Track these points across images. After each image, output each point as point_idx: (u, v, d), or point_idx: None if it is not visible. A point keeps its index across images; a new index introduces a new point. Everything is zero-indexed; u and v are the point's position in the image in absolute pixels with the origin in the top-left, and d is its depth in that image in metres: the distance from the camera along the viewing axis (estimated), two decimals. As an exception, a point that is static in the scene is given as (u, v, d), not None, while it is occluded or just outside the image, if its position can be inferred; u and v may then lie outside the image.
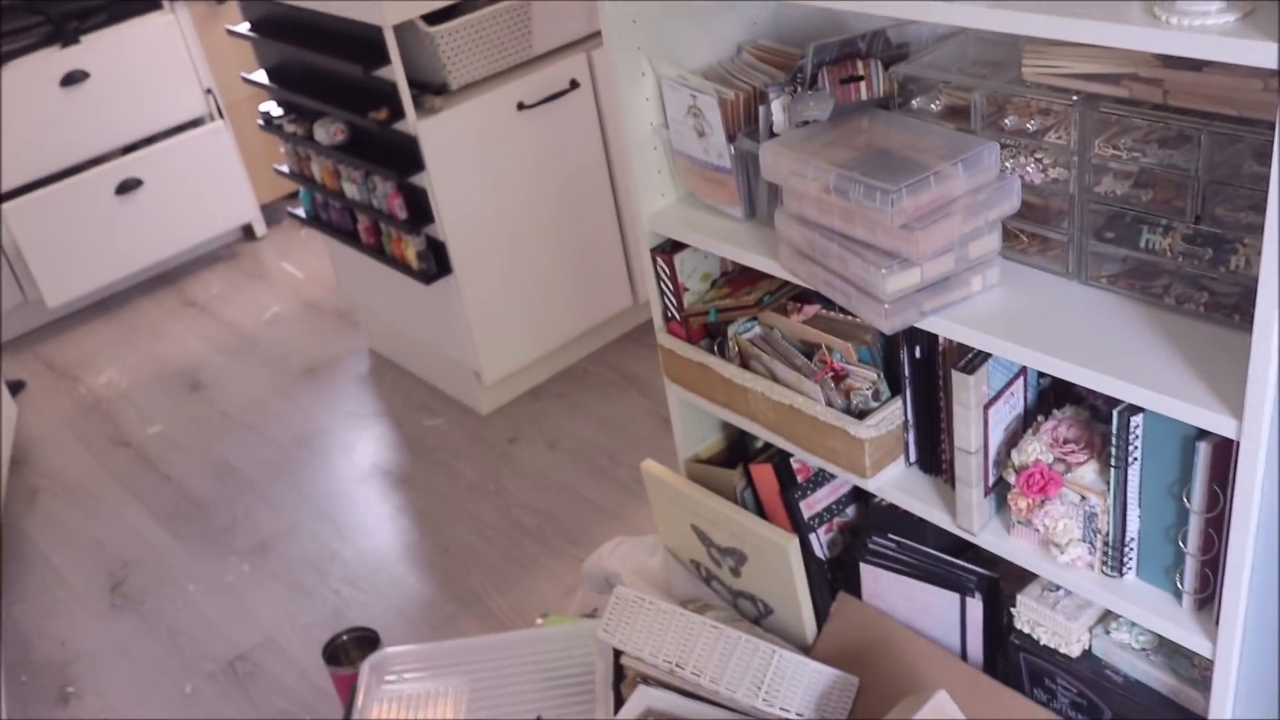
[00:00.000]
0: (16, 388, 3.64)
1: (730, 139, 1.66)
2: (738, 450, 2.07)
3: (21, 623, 2.70)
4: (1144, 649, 1.55)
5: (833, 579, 1.93)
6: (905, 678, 1.76)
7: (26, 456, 3.31)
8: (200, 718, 2.35)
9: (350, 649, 2.28)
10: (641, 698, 1.84)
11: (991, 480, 1.56)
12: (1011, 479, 1.50)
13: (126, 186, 3.92)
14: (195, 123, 4.07)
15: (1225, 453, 1.28)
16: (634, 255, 3.22)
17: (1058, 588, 1.61)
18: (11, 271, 3.86)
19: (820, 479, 1.91)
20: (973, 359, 1.46)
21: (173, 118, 4.00)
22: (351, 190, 2.96)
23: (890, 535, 1.83)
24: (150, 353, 3.76)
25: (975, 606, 1.72)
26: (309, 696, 2.36)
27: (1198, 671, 1.50)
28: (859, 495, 1.96)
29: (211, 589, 2.70)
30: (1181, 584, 1.40)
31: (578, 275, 3.13)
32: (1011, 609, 1.66)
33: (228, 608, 2.64)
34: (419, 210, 2.84)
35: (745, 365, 1.80)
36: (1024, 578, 1.66)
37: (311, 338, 3.67)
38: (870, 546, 1.83)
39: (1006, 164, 1.45)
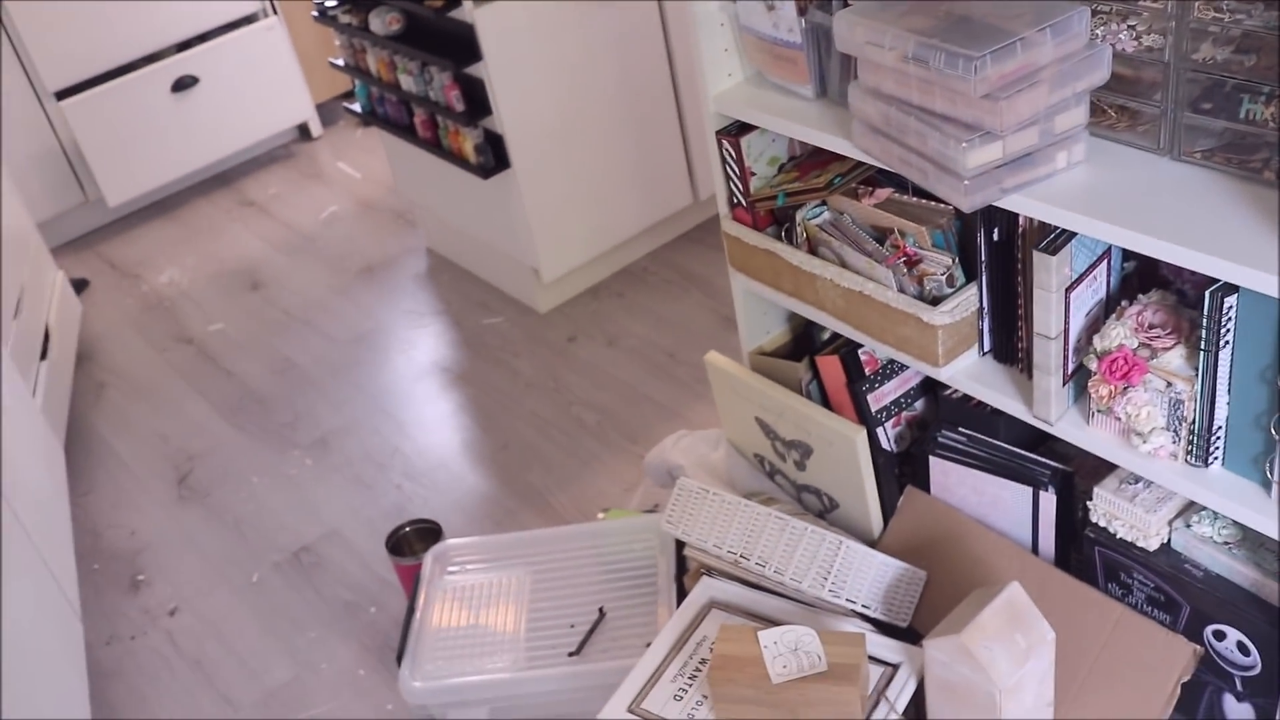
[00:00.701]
0: (80, 286, 3.67)
1: (801, 11, 1.59)
2: (803, 343, 2.03)
3: (91, 513, 2.74)
4: (1226, 542, 1.50)
5: (900, 473, 1.90)
6: (975, 572, 1.73)
7: (91, 353, 3.35)
8: (268, 606, 2.39)
9: (413, 540, 2.30)
10: (705, 589, 1.83)
11: (1071, 368, 1.50)
12: (1093, 366, 1.45)
13: (182, 84, 3.89)
14: (249, 19, 4.02)
15: (1326, 334, 1.21)
16: (695, 151, 3.15)
17: (1136, 480, 1.56)
18: (71, 170, 3.87)
19: (889, 371, 1.86)
20: (1055, 239, 1.40)
21: (227, 14, 3.96)
22: (408, 82, 2.91)
23: (960, 429, 1.78)
24: (210, 252, 3.77)
25: (1049, 500, 1.67)
26: (373, 587, 2.38)
27: (1283, 565, 1.45)
28: (928, 389, 1.91)
29: (275, 482, 2.73)
30: (1271, 473, 1.34)
31: (637, 171, 3.07)
32: (1087, 503, 1.62)
33: (291, 500, 2.66)
34: (477, 102, 2.78)
35: (813, 252, 1.75)
36: (1097, 474, 1.61)
37: (369, 237, 3.66)
38: (940, 440, 1.78)
39: (1097, 31, 1.37)
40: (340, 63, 3.18)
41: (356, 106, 3.25)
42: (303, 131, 4.35)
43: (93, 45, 3.73)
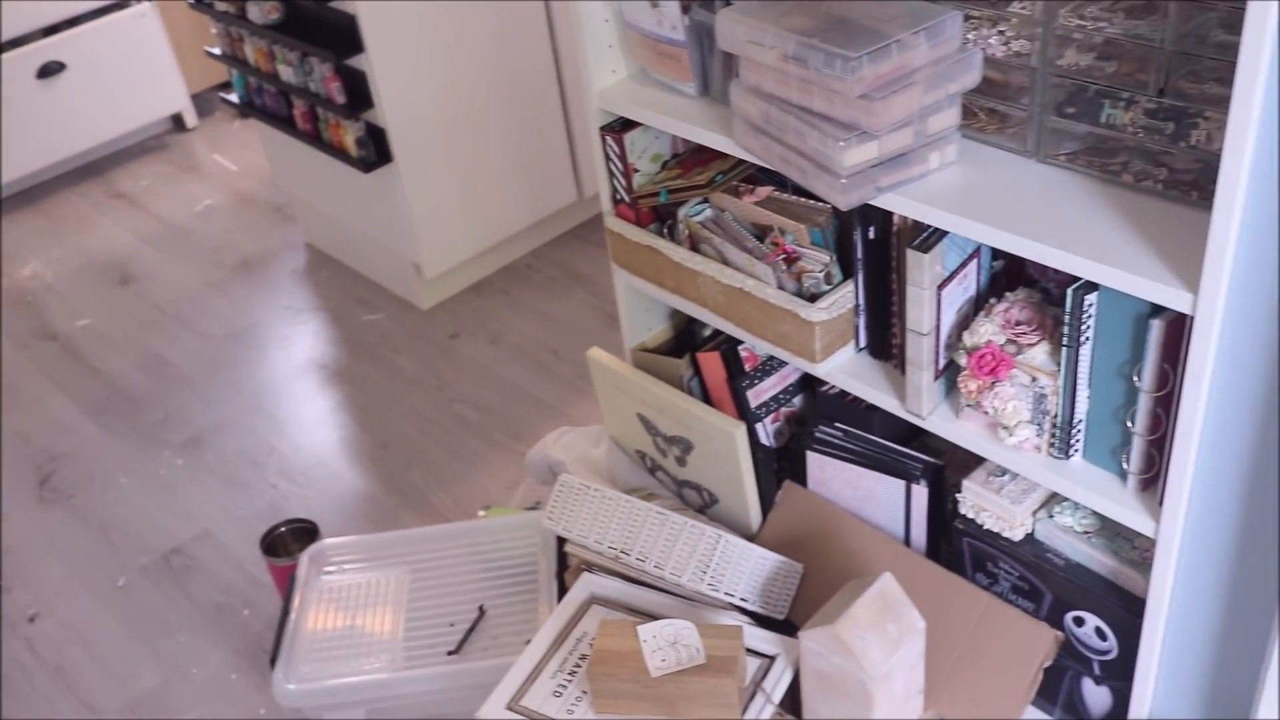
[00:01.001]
0: (-64, 279, 3.51)
1: (685, 9, 1.60)
2: (685, 341, 2.04)
3: (-54, 516, 2.62)
4: (1086, 532, 1.56)
5: (778, 468, 1.92)
6: (850, 564, 1.76)
7: (-53, 349, 3.20)
8: (135, 610, 2.31)
9: (289, 540, 2.25)
10: (585, 585, 1.83)
11: (942, 363, 1.54)
12: (962, 361, 1.49)
13: (49, 70, 3.75)
14: (121, 4, 3.89)
15: (1177, 331, 1.27)
16: (579, 148, 3.15)
17: (1003, 473, 1.61)
18: (-73, 158, 3.70)
19: (768, 368, 1.89)
20: (928, 237, 1.44)
21: (96, -1, 3.83)
22: (287, 73, 2.85)
23: (837, 424, 1.81)
24: (76, 245, 3.64)
25: (920, 493, 1.72)
26: (246, 589, 2.32)
27: (1139, 553, 1.51)
28: (806, 385, 1.94)
29: (144, 482, 2.64)
30: (1127, 464, 1.40)
31: (522, 167, 3.05)
32: (956, 495, 1.66)
33: (161, 501, 2.58)
34: (358, 95, 2.74)
35: (695, 249, 1.76)
36: (967, 468, 1.66)
37: (246, 231, 3.57)
38: (817, 435, 1.81)
39: (969, 35, 1.41)
40: (217, 51, 3.10)
41: (234, 97, 3.17)
42: (177, 122, 4.23)
43: (-50, 27, 3.57)
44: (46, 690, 2.16)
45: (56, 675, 2.19)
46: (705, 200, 1.77)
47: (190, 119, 4.19)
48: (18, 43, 3.72)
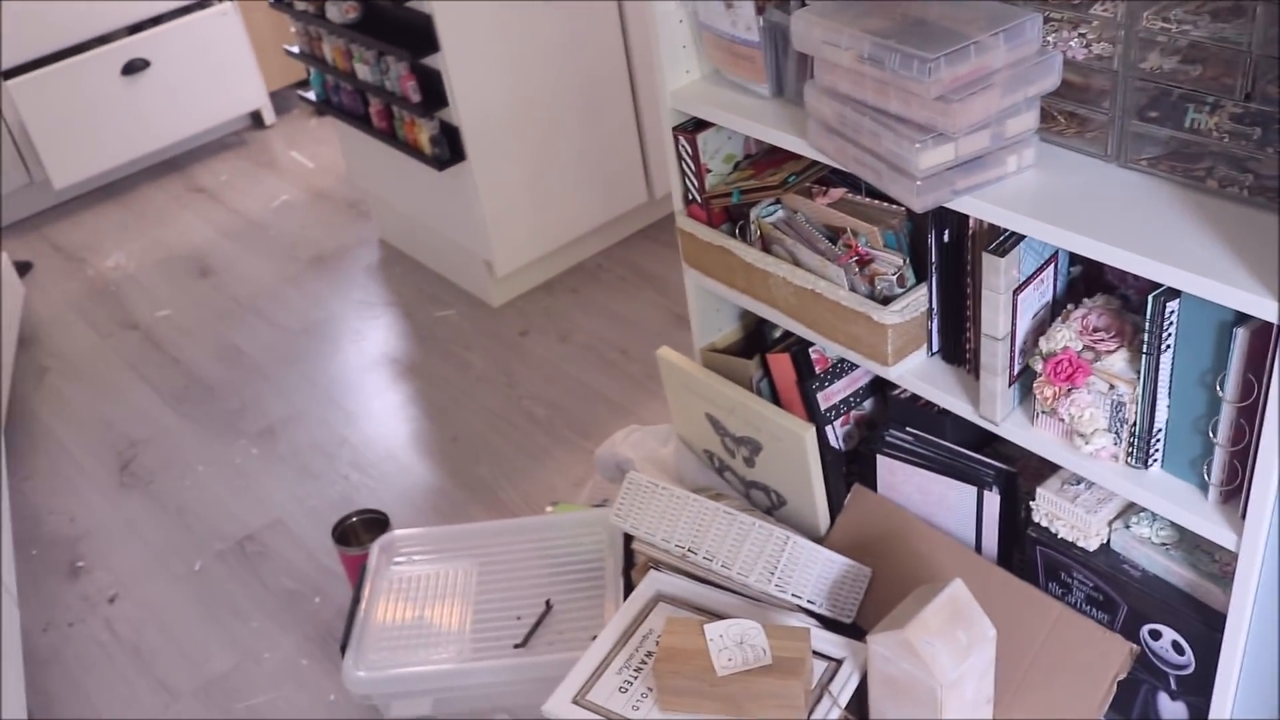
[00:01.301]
0: (24, 269, 3.61)
1: (760, 10, 1.60)
2: (755, 341, 2.04)
3: (31, 499, 2.70)
4: (1164, 543, 1.53)
5: (848, 472, 1.91)
6: (919, 569, 1.75)
7: (34, 336, 3.29)
8: (210, 594, 2.36)
9: (360, 531, 2.28)
10: (652, 583, 1.83)
11: (1017, 369, 1.53)
12: (1038, 367, 1.47)
13: (133, 67, 3.84)
14: (203, 3, 3.98)
15: (1263, 340, 1.24)
16: (651, 148, 3.16)
17: (1078, 481, 1.59)
18: (17, 151, 3.80)
19: (838, 370, 1.88)
20: (1004, 241, 1.42)
21: (180, -3, 3.92)
22: (364, 72, 2.89)
23: (908, 428, 1.80)
24: (157, 238, 3.72)
25: (992, 500, 1.70)
26: (317, 577, 2.36)
27: (1218, 567, 1.48)
28: (876, 389, 1.93)
29: (220, 470, 2.70)
30: (1208, 476, 1.37)
31: (593, 167, 3.07)
32: (1030, 503, 1.64)
33: (236, 489, 2.63)
34: (433, 93, 2.77)
35: (767, 249, 1.76)
36: (1041, 475, 1.64)
37: (321, 227, 3.63)
38: (887, 439, 1.80)
39: (1048, 38, 1.39)
40: (295, 50, 3.15)
41: (311, 95, 3.23)
42: (255, 119, 4.31)
43: (42, 25, 3.67)
44: (124, 669, 2.22)
45: (134, 655, 2.25)
46: (778, 201, 1.77)
47: (269, 116, 4.27)
48: (103, 40, 3.82)
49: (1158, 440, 1.41)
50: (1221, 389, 1.30)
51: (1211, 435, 1.34)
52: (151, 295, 3.42)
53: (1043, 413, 1.50)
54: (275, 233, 3.64)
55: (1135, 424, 1.41)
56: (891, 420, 1.83)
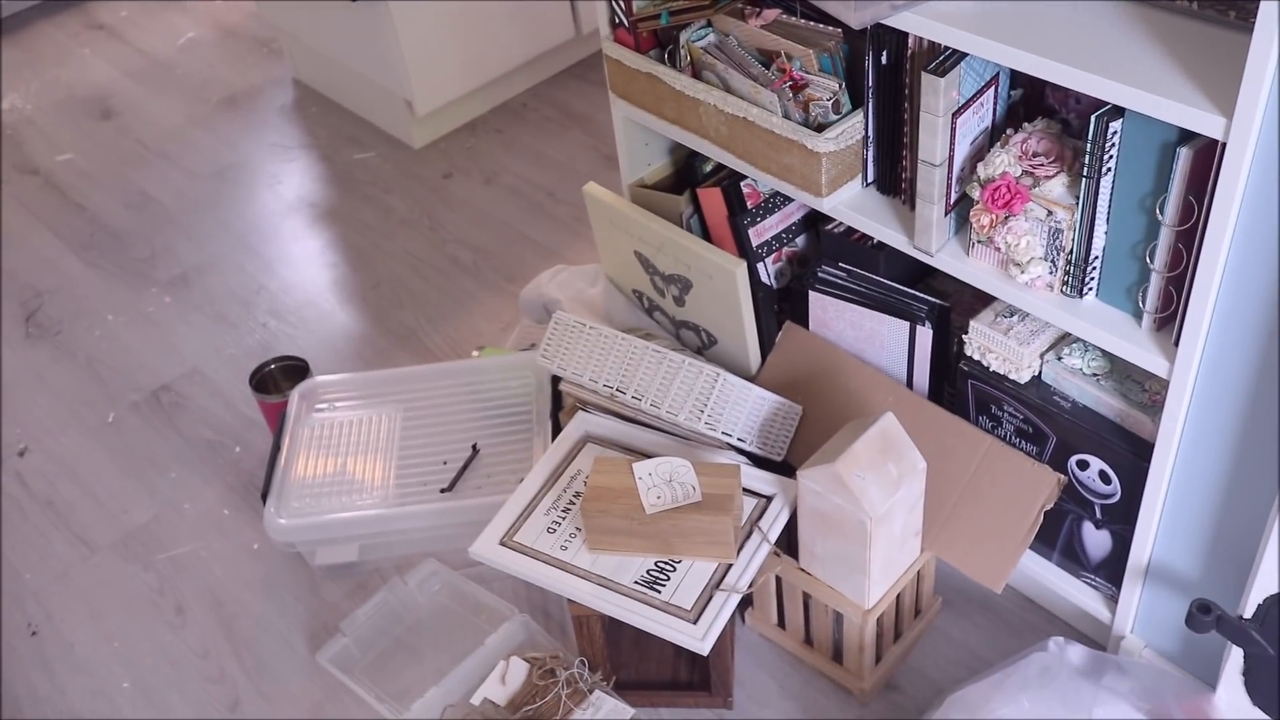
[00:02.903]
0: (-89, 111, 3.39)
1: None
2: (685, 177, 1.97)
3: (-69, 352, 2.58)
4: (1095, 374, 1.52)
5: (779, 310, 1.88)
6: (851, 406, 1.73)
7: (-74, 183, 3.11)
8: (125, 446, 2.29)
9: (279, 378, 2.21)
10: (580, 424, 1.80)
11: (954, 197, 1.48)
12: (975, 195, 1.42)
13: (19, -109, 3.56)
14: None
15: (1205, 160, 1.20)
16: (577, -20, 3.01)
17: (1011, 313, 1.57)
18: (-104, -17, 3.53)
19: (771, 205, 1.82)
20: (944, 61, 1.36)
21: None
22: (268, -108, 2.69)
23: (841, 264, 1.76)
24: (56, 78, 3.51)
25: (925, 335, 1.67)
26: (238, 427, 2.30)
27: (1148, 396, 1.48)
28: (810, 225, 1.88)
29: (131, 320, 2.59)
30: (1143, 304, 1.35)
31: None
32: (962, 336, 1.62)
33: (149, 338, 2.54)
34: (343, -84, 2.59)
35: (697, 76, 1.68)
36: (974, 310, 1.61)
37: (231, 66, 3.44)
38: (820, 274, 1.76)
39: None
40: None
41: (213, -81, 3.01)
42: (157, -50, 4.04)
43: None
44: (39, 522, 2.15)
45: (48, 508, 2.18)
46: (708, 24, 1.68)
47: (171, -53, 4.01)
48: None
49: (1094, 268, 1.38)
50: (1161, 212, 1.27)
51: (1148, 261, 1.32)
52: (51, 139, 3.23)
53: (978, 242, 1.46)
54: (182, 72, 3.44)
55: (1072, 251, 1.38)
56: (824, 256, 1.78)
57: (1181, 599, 1.51)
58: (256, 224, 2.84)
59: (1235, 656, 1.40)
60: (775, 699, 1.73)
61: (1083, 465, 1.55)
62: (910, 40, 1.42)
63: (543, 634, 1.75)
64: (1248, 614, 1.34)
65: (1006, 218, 1.40)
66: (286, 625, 1.93)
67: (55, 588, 2.04)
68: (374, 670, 1.81)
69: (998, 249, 1.43)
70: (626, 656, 1.78)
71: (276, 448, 2.01)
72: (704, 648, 1.48)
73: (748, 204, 1.81)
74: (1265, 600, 1.31)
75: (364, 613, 1.83)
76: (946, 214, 1.49)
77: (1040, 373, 1.57)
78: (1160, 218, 1.27)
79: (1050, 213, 1.37)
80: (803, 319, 1.81)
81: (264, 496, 1.93)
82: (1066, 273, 1.40)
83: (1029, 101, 1.51)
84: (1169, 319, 1.35)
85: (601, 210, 1.91)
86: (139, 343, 2.53)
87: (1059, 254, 1.39)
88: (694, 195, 1.87)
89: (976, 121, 1.44)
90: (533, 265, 2.55)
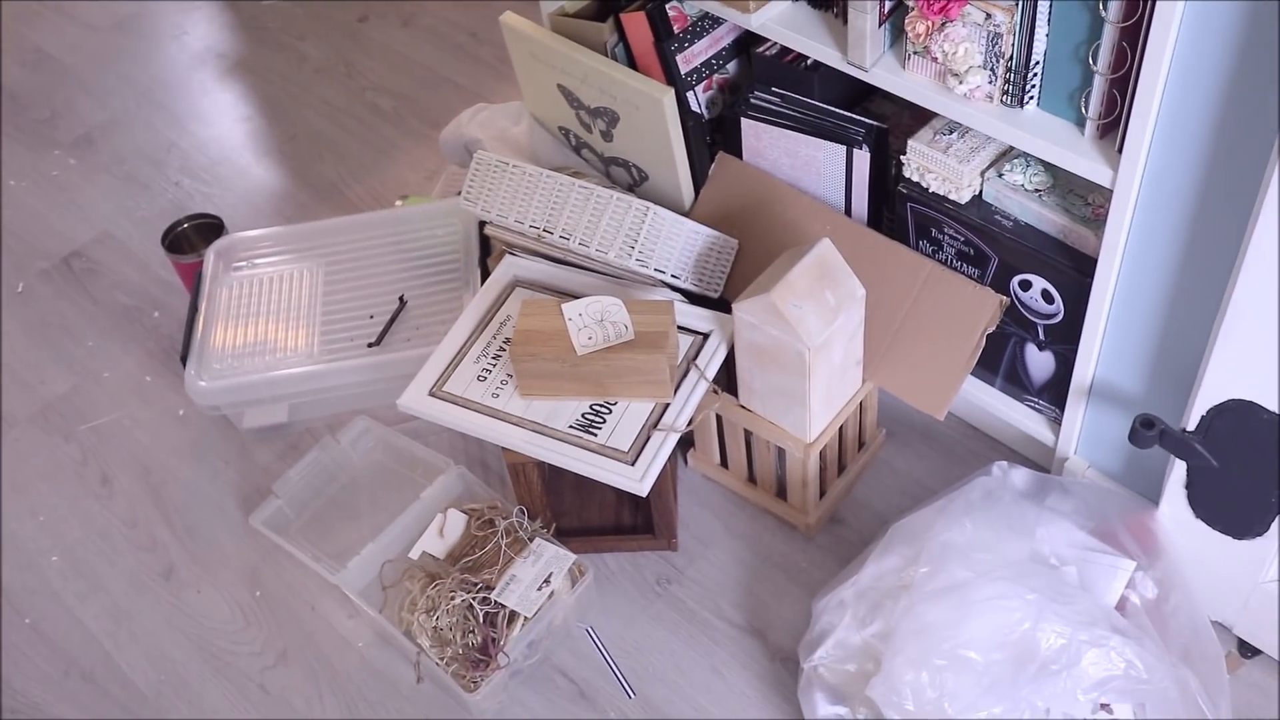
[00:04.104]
0: None
1: None
2: (608, 5, 1.85)
3: None
4: (1037, 189, 1.46)
5: (712, 141, 1.79)
6: (788, 237, 1.67)
7: None
8: (37, 316, 2.18)
9: (193, 237, 2.11)
10: (508, 268, 1.73)
11: (888, 5, 1.39)
12: (910, 0, 1.34)
13: None
14: None
15: (1153, -51, 1.12)
16: None
17: (950, 130, 1.50)
18: None
19: (699, 29, 1.72)
20: None
21: None
22: None
23: (774, 89, 1.67)
24: (-65, -71, 3.26)
25: (862, 159, 1.60)
26: (155, 291, 2.20)
27: (1091, 210, 1.43)
28: (741, 50, 1.78)
29: (35, 184, 2.46)
30: (1086, 110, 1.29)
31: None
32: (901, 157, 1.55)
33: (55, 203, 2.41)
34: None
35: (613, -115, 1.55)
36: (912, 132, 1.54)
37: (124, -91, 3.21)
38: (752, 100, 1.67)
39: None
40: None
41: None
42: None
43: None
44: (-48, 401, 2.07)
45: (-40, 385, 2.09)
46: None
47: None
48: None
49: (1034, 74, 1.31)
50: (1104, 9, 1.19)
51: (1091, 63, 1.24)
52: (-65, -5, 3.02)
53: (915, 53, 1.38)
54: (72, -82, 3.21)
55: (1012, 57, 1.30)
56: (756, 81, 1.69)
57: (1124, 417, 1.49)
58: (163, 78, 2.68)
59: (1178, 471, 1.39)
60: (721, 538, 1.72)
61: (1025, 285, 1.51)
62: None
63: (480, 485, 1.71)
64: (1191, 427, 1.31)
65: (943, 24, 1.32)
66: (217, 490, 1.87)
67: (-26, 464, 1.96)
68: (309, 531, 1.76)
69: (935, 59, 1.36)
70: (568, 504, 1.75)
71: (194, 309, 1.92)
72: (643, 488, 1.44)
73: (674, 28, 1.71)
74: (1208, 412, 1.29)
75: (296, 473, 1.78)
76: (881, 24, 1.41)
77: (981, 191, 1.51)
78: (1104, 14, 1.19)
79: (989, 16, 1.29)
80: (736, 149, 1.73)
81: (183, 360, 1.85)
82: (1007, 80, 1.33)
83: (966, -101, 1.41)
84: (1112, 125, 1.29)
85: (520, 42, 1.80)
86: (45, 208, 2.40)
87: (998, 61, 1.31)
88: (618, 22, 1.76)
89: (911, -79, 1.35)
90: (457, 110, 2.42)
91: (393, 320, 1.88)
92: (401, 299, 1.90)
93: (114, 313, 2.17)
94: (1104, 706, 1.32)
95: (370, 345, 1.85)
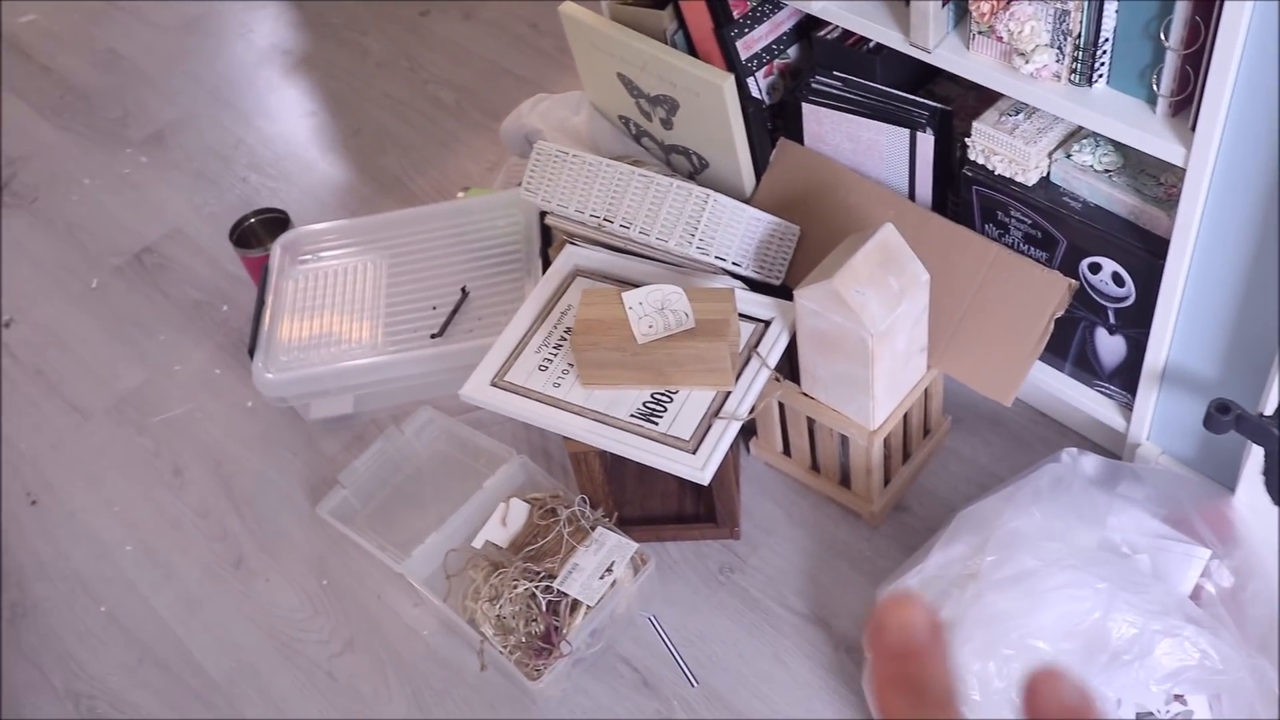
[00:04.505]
0: None
1: None
2: (667, -9, 1.85)
3: (-93, 227, 2.51)
4: (1106, 170, 1.43)
5: (773, 127, 1.78)
6: (851, 222, 1.65)
7: (-114, 53, 2.99)
8: (111, 311, 2.23)
9: (260, 232, 2.14)
10: (569, 258, 1.73)
11: (951, -16, 1.37)
12: (974, -21, 1.31)
13: None
14: None
15: (1227, -82, 1.09)
16: None
17: (1017, 111, 1.47)
18: None
19: (759, 15, 1.71)
20: None
21: None
22: None
23: (835, 73, 1.65)
24: (11, -65, 3.34)
25: (926, 142, 1.58)
26: (224, 285, 2.23)
27: (1163, 190, 1.39)
28: (802, 34, 1.77)
29: (108, 183, 2.51)
30: (1157, 87, 1.25)
31: None
32: (965, 139, 1.52)
33: (128, 201, 2.46)
34: None
35: None
36: (977, 114, 1.51)
37: (192, -89, 3.26)
38: (813, 85, 1.66)
39: None
40: None
41: None
42: None
43: None
44: (30, 393, 2.11)
45: (38, 378, 2.14)
46: None
47: None
48: None
49: (1104, 51, 1.28)
50: (1177, -18, 1.16)
51: (1163, 38, 1.21)
52: (10, 1, 3.09)
53: (979, 33, 1.36)
54: (141, -79, 3.27)
55: (1080, 35, 1.27)
56: (818, 65, 1.68)
57: (1199, 402, 1.45)
58: (230, 76, 2.73)
59: (1255, 457, 1.35)
60: (783, 526, 1.70)
61: (1095, 269, 1.47)
62: None
63: (543, 474, 1.71)
64: (1268, 411, 1.28)
65: (1009, 2, 1.29)
66: (285, 480, 1.90)
67: (51, 456, 2.01)
68: (375, 520, 1.78)
69: (1000, 39, 1.33)
70: (630, 493, 1.75)
71: (261, 302, 1.95)
72: (704, 477, 1.44)
73: (734, 14, 1.70)
74: (1288, 396, 1.25)
75: (362, 463, 1.80)
76: (944, 4, 1.38)
77: (1049, 173, 1.48)
78: (1176, -12, 1.16)
79: (1055, -8, 1.26)
80: (797, 135, 1.71)
81: (251, 352, 1.88)
82: (1075, 59, 1.29)
83: (1031, -126, 1.38)
84: (1185, 102, 1.25)
85: (580, 31, 1.80)
86: (118, 205, 2.45)
87: (1066, 38, 1.28)
88: (677, 9, 1.75)
89: (974, -102, 1.32)
90: (517, 101, 2.42)
91: (455, 311, 1.89)
92: (464, 290, 1.91)
93: (184, 307, 2.21)
94: (1178, 698, 1.29)
95: (433, 336, 1.86)
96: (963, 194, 1.57)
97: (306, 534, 1.82)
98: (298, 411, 1.94)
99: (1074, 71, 1.31)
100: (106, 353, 2.16)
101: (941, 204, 1.64)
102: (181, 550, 1.84)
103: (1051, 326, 1.49)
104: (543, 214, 1.87)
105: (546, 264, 1.86)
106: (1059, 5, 1.26)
